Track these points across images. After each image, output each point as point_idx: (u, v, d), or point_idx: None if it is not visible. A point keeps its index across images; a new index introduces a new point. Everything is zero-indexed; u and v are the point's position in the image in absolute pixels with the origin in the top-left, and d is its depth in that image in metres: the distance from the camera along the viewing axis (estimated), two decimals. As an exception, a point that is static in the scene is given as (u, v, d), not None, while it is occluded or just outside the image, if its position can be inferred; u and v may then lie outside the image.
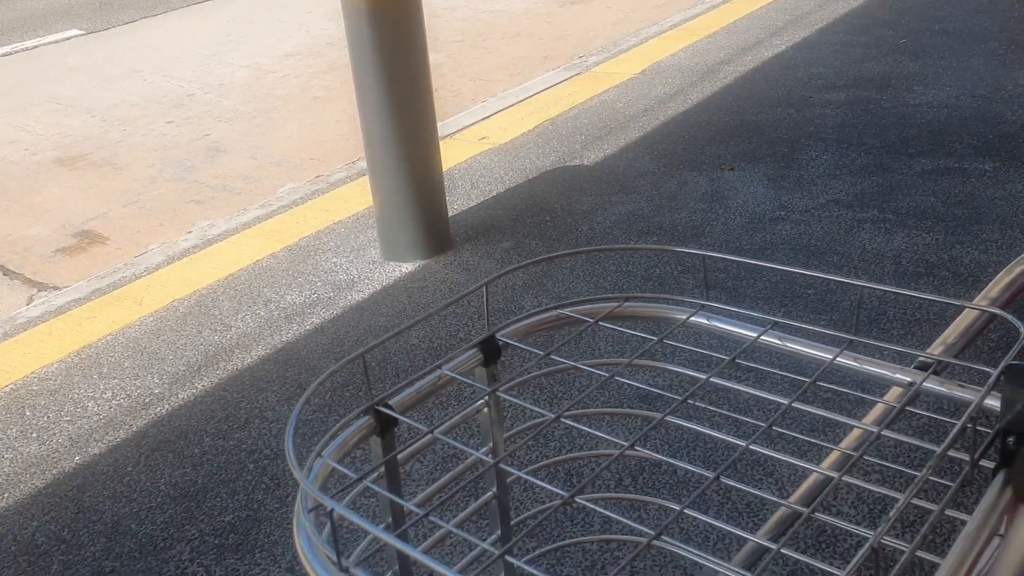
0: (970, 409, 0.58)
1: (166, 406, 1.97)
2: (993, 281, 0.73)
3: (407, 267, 2.45)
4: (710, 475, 0.60)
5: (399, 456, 0.71)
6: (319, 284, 2.40)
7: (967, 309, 0.73)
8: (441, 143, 3.25)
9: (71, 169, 3.59)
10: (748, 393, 0.65)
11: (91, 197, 3.33)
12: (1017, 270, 0.64)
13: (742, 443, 0.62)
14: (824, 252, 2.32)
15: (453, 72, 4.37)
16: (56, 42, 5.44)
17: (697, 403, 0.87)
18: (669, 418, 0.69)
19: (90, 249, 2.94)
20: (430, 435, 0.70)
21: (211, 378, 2.05)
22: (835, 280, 0.68)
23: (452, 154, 3.15)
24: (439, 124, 3.46)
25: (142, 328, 2.27)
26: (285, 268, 2.50)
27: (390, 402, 0.72)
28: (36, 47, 5.36)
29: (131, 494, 1.73)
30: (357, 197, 2.90)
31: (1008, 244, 2.29)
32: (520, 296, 2.25)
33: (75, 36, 5.54)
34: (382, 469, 0.72)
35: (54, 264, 2.87)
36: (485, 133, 3.32)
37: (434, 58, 4.55)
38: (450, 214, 2.71)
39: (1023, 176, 2.61)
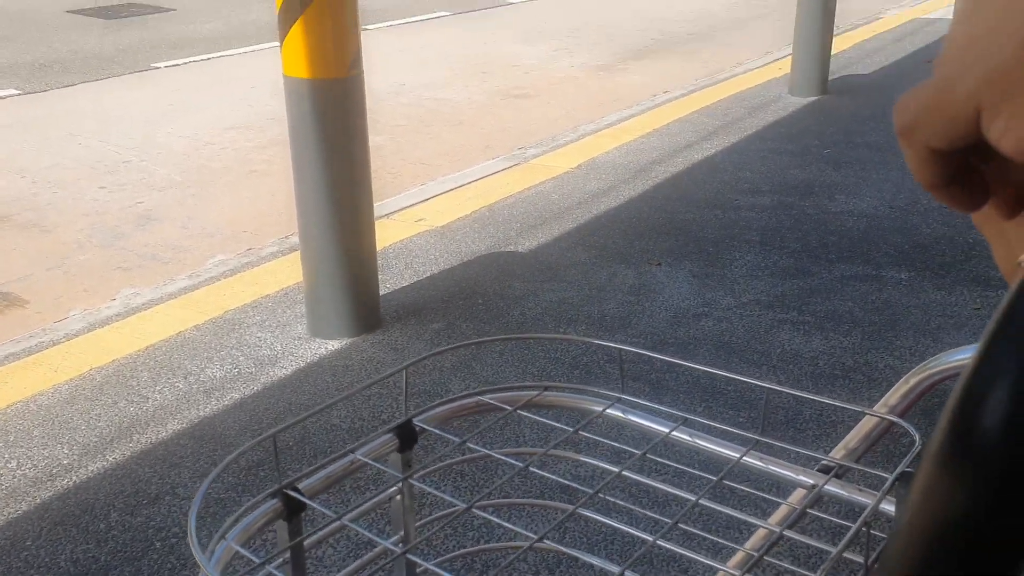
0: (865, 513, 0.60)
1: (74, 478, 1.90)
2: (893, 389, 0.76)
3: (333, 344, 2.43)
4: (616, 570, 0.60)
5: (305, 542, 0.70)
6: (241, 359, 2.36)
7: (867, 416, 0.76)
8: (377, 223, 3.27)
9: (-5, 229, 3.50)
10: (660, 488, 0.66)
11: (15, 259, 3.24)
12: (915, 379, 0.67)
13: (651, 538, 0.63)
14: (744, 350, 2.37)
15: (394, 155, 4.42)
16: (-8, 100, 5.36)
17: (609, 497, 0.88)
18: (581, 511, 0.69)
19: (8, 312, 2.86)
20: (338, 522, 0.69)
21: (123, 451, 1.98)
22: (743, 380, 0.70)
23: (388, 234, 3.17)
24: (377, 204, 3.49)
25: (55, 396, 2.20)
26: (208, 341, 2.45)
27: (300, 485, 0.71)
28: (-30, 104, 5.28)
29: (28, 570, 1.64)
30: (287, 271, 2.88)
31: (920, 351, 2.38)
32: (448, 378, 2.24)
33: (12, 95, 5.47)
34: (287, 555, 0.70)
35: (-33, 325, 2.77)
36: (422, 215, 3.35)
37: (376, 140, 4.60)
38: (382, 293, 2.71)
39: (936, 286, 2.73)
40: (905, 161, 0.33)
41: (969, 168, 0.31)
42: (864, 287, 2.72)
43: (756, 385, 0.72)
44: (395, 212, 3.39)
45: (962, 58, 0.29)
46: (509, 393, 0.86)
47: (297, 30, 2.17)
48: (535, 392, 0.85)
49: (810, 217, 3.24)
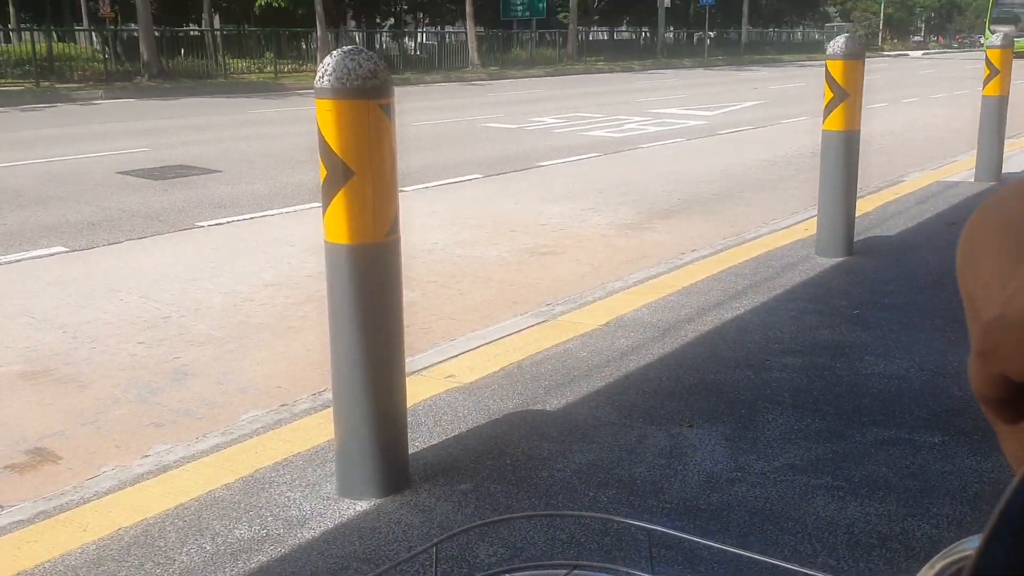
0: None
1: (94, 644, 1.87)
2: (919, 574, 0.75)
3: (362, 505, 2.42)
4: None
5: None
6: (270, 519, 2.36)
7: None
8: (408, 379, 3.31)
9: (34, 384, 3.58)
10: None
11: (51, 413, 3.30)
12: (940, 564, 0.67)
13: None
14: (779, 517, 2.33)
15: (426, 311, 4.51)
16: (38, 257, 5.58)
17: None
18: None
19: (41, 468, 2.89)
20: None
21: (146, 615, 1.96)
22: (773, 563, 0.70)
23: (418, 390, 3.20)
24: (408, 360, 3.54)
25: (83, 556, 2.20)
26: (238, 500, 2.46)
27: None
28: (18, 261, 5.50)
29: None
30: (319, 429, 2.90)
31: (958, 520, 2.32)
32: (475, 543, 2.22)
33: (58, 253, 5.69)
34: None
35: (1, 481, 2.80)
36: (452, 371, 3.39)
37: (409, 296, 4.70)
38: (411, 451, 2.72)
39: (971, 451, 2.69)
40: (969, 370, 0.36)
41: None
42: (898, 451, 2.69)
43: (790, 569, 0.72)
44: (425, 368, 3.43)
45: None
46: (536, 572, 0.86)
47: (339, 200, 2.29)
48: (563, 571, 0.85)
49: (841, 379, 3.24)
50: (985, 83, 7.15)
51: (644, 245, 5.87)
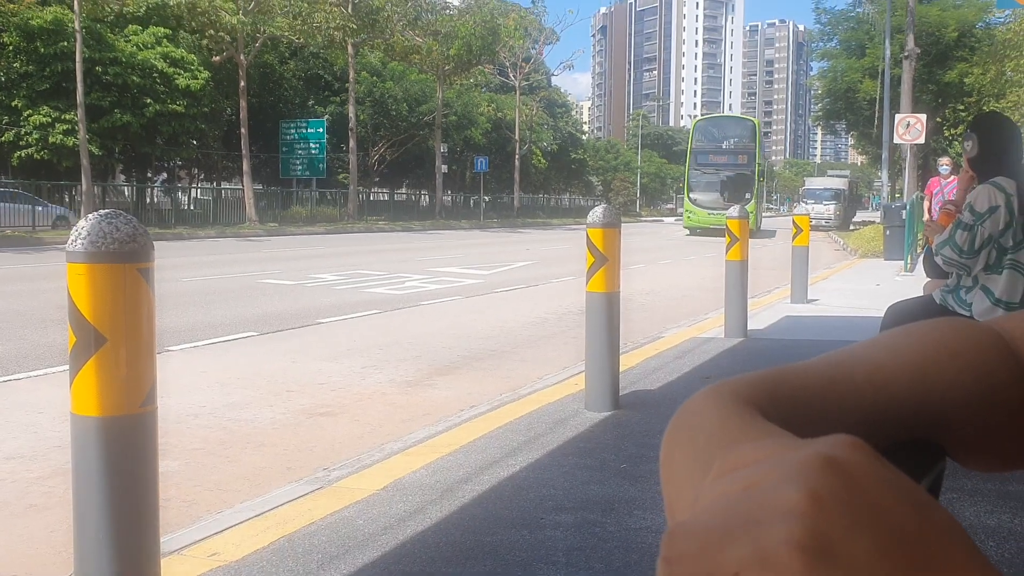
0: None
1: None
2: None
3: None
4: None
5: None
6: None
7: None
8: (166, 560, 3.02)
9: None
10: None
11: None
12: None
13: None
14: None
15: (189, 481, 4.20)
16: None
17: None
18: None
19: None
20: None
21: None
22: None
23: (176, 571, 2.92)
24: (166, 538, 3.24)
25: None
26: None
27: None
28: None
29: None
30: (57, 625, 2.57)
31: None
32: None
33: None
34: None
35: None
36: (216, 548, 3.14)
37: (170, 466, 4.38)
38: (165, 646, 2.45)
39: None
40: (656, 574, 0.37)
41: None
42: (668, 605, 2.74)
43: None
44: (186, 547, 3.16)
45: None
46: None
47: (89, 369, 2.12)
48: None
49: (612, 535, 3.29)
50: (727, 249, 7.91)
51: (425, 402, 5.85)
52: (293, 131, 38.18)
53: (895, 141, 22.56)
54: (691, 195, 35.69)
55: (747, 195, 34.23)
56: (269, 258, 18.57)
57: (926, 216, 12.89)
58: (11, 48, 27.40)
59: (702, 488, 0.36)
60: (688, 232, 35.28)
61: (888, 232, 18.63)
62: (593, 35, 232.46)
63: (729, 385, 0.45)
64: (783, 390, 0.46)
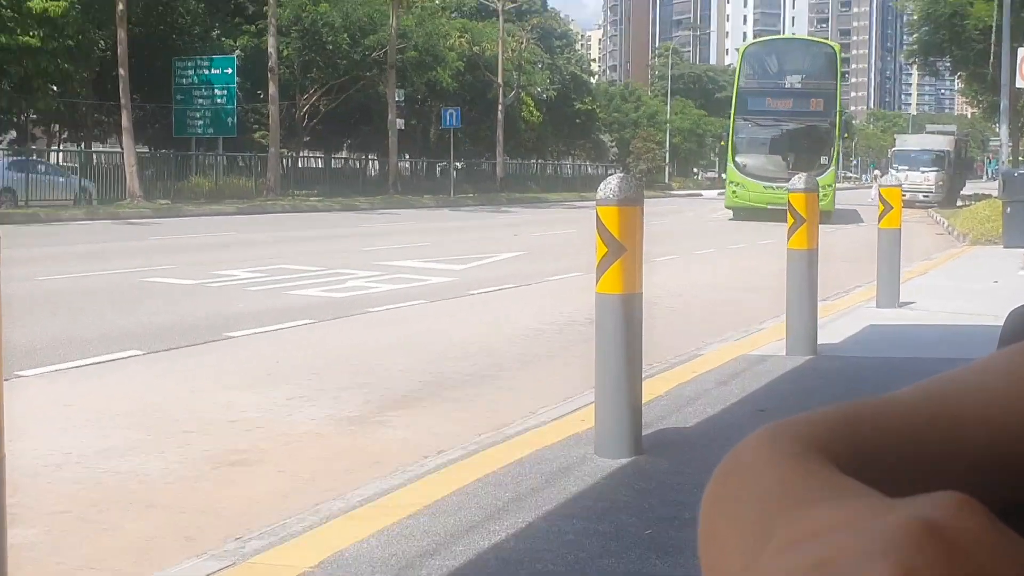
0: None
1: None
2: None
3: None
4: None
5: None
6: None
7: None
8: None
9: None
10: None
11: None
12: None
13: None
14: None
15: (50, 558, 4.20)
16: None
17: None
18: None
19: None
20: None
21: None
22: None
23: None
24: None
25: None
26: None
27: None
28: None
29: None
30: None
31: None
32: None
33: None
34: None
35: None
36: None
37: (25, 536, 4.37)
38: None
39: None
40: None
41: None
42: None
43: None
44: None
45: None
46: None
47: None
48: None
49: (634, 625, 3.31)
50: (790, 233, 7.94)
51: (375, 446, 5.86)
52: (191, 72, 38.16)
53: (1017, 84, 22.72)
54: (737, 159, 33.21)
55: (822, 159, 32.27)
56: (159, 248, 18.55)
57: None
58: None
59: (757, 565, 0.37)
60: (733, 216, 32.90)
61: (1009, 209, 18.76)
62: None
63: (792, 425, 0.46)
64: (865, 431, 0.46)
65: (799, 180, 8.09)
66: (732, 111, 34.02)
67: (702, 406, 6.25)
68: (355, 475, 5.25)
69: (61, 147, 40.22)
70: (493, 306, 11.79)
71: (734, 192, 32.99)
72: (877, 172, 65.23)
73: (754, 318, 10.16)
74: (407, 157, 53.37)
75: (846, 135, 35.57)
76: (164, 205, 31.90)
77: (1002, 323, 0.67)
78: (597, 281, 5.13)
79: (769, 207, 28.73)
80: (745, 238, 23.67)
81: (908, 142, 49.03)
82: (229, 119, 37.96)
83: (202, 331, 9.49)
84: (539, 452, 5.21)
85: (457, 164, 50.83)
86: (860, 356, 8.10)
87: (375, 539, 4.05)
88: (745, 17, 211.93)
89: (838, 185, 36.76)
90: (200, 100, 38.10)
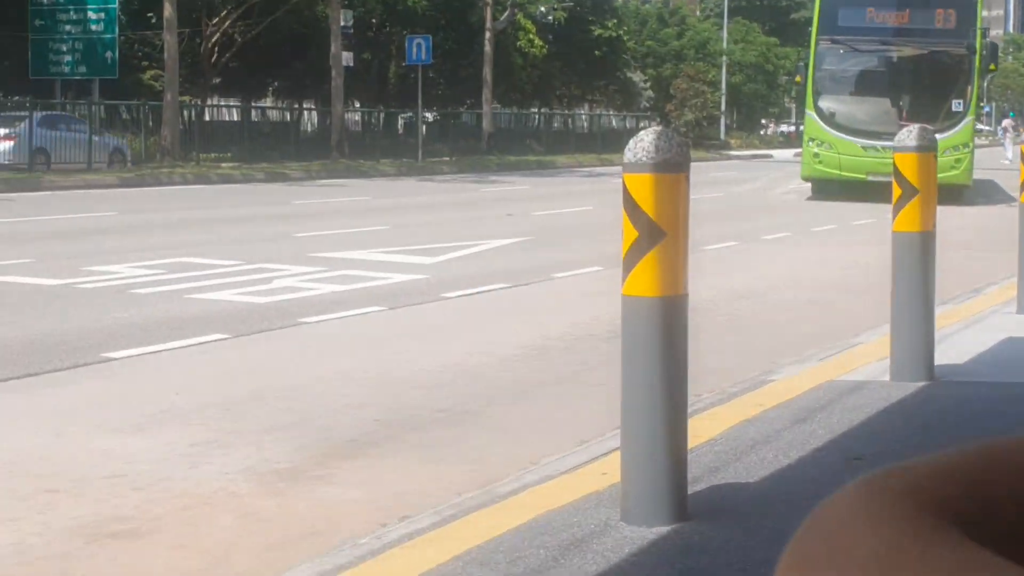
0: None
1: None
2: None
3: None
4: None
5: None
6: None
7: None
8: None
9: None
10: None
11: None
12: None
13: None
14: None
15: None
16: None
17: None
18: None
19: None
20: None
21: None
22: None
23: None
24: None
25: None
26: None
27: None
28: None
29: None
30: None
31: None
32: None
33: None
34: None
35: None
36: None
37: None
38: None
39: None
40: None
41: None
42: None
43: None
44: None
45: None
46: None
47: None
48: None
49: None
50: (895, 210, 7.90)
51: (313, 511, 5.85)
52: (54, -9, 38.17)
53: None
54: (820, 104, 30.83)
55: (954, 104, 29.65)
56: (10, 235, 18.51)
57: None
58: None
59: None
60: (813, 192, 31.15)
61: None
62: None
63: (901, 473, 0.46)
64: (999, 483, 0.47)
65: (908, 135, 7.97)
66: (813, 31, 31.12)
67: (772, 453, 6.24)
68: (285, 552, 5.25)
69: None
70: (477, 314, 11.78)
71: (815, 156, 30.60)
72: (1010, 122, 64.76)
73: (845, 328, 10.16)
74: (357, 106, 53.41)
75: (992, 67, 31.42)
76: (17, 175, 31.83)
77: None
78: (624, 279, 5.12)
79: (869, 178, 27.58)
80: (833, 216, 23.67)
81: None
82: (108, 54, 37.95)
83: (71, 351, 9.47)
84: (543, 518, 5.20)
85: (427, 116, 50.81)
86: (993, 382, 8.09)
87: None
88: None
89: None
90: (67, 28, 38.08)
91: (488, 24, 50.79)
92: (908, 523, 0.43)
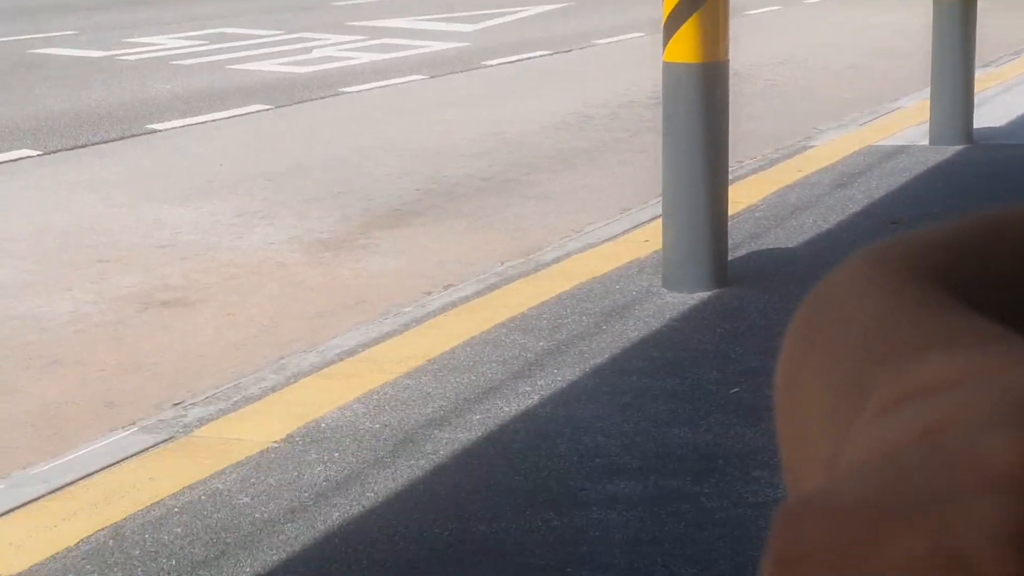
0: None
1: None
2: None
3: None
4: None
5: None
6: None
7: None
8: None
9: None
10: None
11: None
12: None
13: None
14: None
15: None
16: None
17: None
18: None
19: None
20: None
21: None
22: None
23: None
24: None
25: None
26: None
27: None
28: None
29: None
30: None
31: None
32: None
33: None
34: None
35: None
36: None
37: None
38: None
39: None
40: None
41: None
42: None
43: None
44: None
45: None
46: None
47: None
48: None
49: (713, 518, 3.38)
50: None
51: (357, 279, 5.89)
52: None
53: None
54: None
55: None
56: (55, 5, 18.35)
57: None
58: None
59: (850, 431, 0.38)
60: None
61: None
62: None
63: (906, 242, 0.46)
64: (1003, 253, 0.47)
65: None
66: None
67: (811, 219, 6.24)
68: (331, 320, 5.30)
69: None
70: (518, 82, 11.68)
71: None
72: None
73: (885, 92, 10.06)
74: None
75: None
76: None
77: None
78: (664, 45, 5.07)
79: None
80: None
81: None
82: None
83: (116, 123, 9.47)
84: (586, 285, 5.23)
85: None
86: (1034, 146, 8.02)
87: (360, 405, 4.11)
88: None
89: None
90: None
91: None
92: (908, 289, 0.42)
